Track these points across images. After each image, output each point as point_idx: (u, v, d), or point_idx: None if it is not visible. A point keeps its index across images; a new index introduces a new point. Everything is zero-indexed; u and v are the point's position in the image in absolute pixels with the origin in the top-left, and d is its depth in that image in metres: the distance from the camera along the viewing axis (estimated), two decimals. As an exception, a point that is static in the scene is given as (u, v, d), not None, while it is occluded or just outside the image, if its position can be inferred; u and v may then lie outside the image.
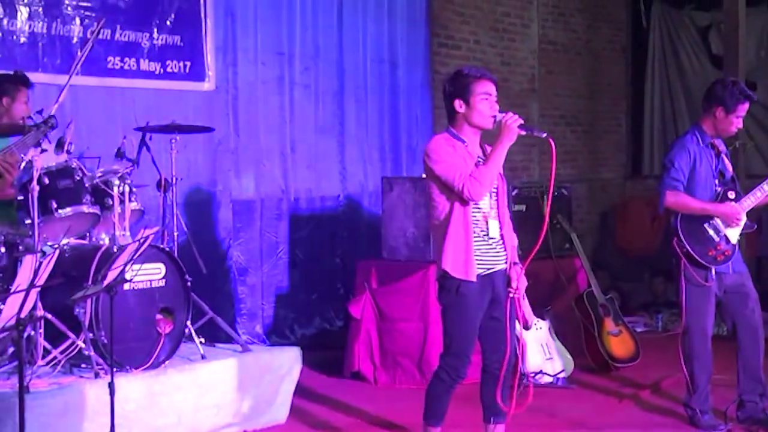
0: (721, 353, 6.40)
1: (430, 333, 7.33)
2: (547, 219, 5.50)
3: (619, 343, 8.03)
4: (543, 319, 7.63)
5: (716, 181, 6.18)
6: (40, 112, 5.45)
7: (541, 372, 7.36)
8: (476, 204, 5.06)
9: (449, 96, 5.15)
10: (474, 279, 5.03)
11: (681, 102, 12.47)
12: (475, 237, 5.06)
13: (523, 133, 5.08)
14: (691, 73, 12.48)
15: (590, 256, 8.74)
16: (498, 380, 5.20)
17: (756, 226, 6.32)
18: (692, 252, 6.07)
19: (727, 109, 6.08)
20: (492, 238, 5.13)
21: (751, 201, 6.16)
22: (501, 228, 5.17)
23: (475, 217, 5.07)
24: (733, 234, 6.14)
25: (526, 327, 7.44)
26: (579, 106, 11.91)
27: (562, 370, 7.50)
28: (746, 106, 6.11)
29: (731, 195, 6.16)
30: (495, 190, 5.16)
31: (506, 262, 5.20)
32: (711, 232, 6.11)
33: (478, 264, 5.06)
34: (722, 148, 6.29)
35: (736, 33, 9.66)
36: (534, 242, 5.06)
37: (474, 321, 5.12)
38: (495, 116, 5.08)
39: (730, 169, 6.27)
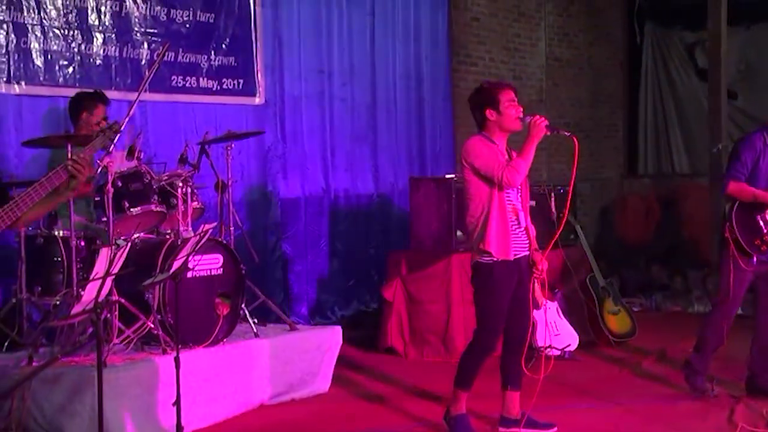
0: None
1: (453, 313, 7.31)
2: (567, 211, 5.39)
3: (618, 321, 7.97)
4: (552, 300, 7.57)
5: None
6: (105, 119, 5.49)
7: (550, 346, 7.31)
8: (509, 198, 5.08)
9: (480, 107, 5.13)
10: (512, 258, 5.03)
11: (671, 110, 12.36)
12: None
13: (549, 133, 5.06)
14: (680, 84, 12.37)
15: (592, 245, 8.66)
16: (517, 352, 5.18)
17: None
18: (740, 238, 5.85)
19: None
20: (520, 228, 5.14)
21: None
22: (526, 219, 5.19)
23: (507, 208, 5.07)
24: None
25: (537, 307, 7.41)
26: (581, 114, 11.80)
27: (569, 344, 7.44)
28: None
29: None
30: (520, 187, 5.17)
31: (528, 249, 5.18)
32: (761, 223, 5.87)
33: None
34: None
35: (718, 49, 9.57)
36: (543, 232, 5.03)
37: (505, 300, 5.10)
38: (521, 117, 5.07)
39: None
